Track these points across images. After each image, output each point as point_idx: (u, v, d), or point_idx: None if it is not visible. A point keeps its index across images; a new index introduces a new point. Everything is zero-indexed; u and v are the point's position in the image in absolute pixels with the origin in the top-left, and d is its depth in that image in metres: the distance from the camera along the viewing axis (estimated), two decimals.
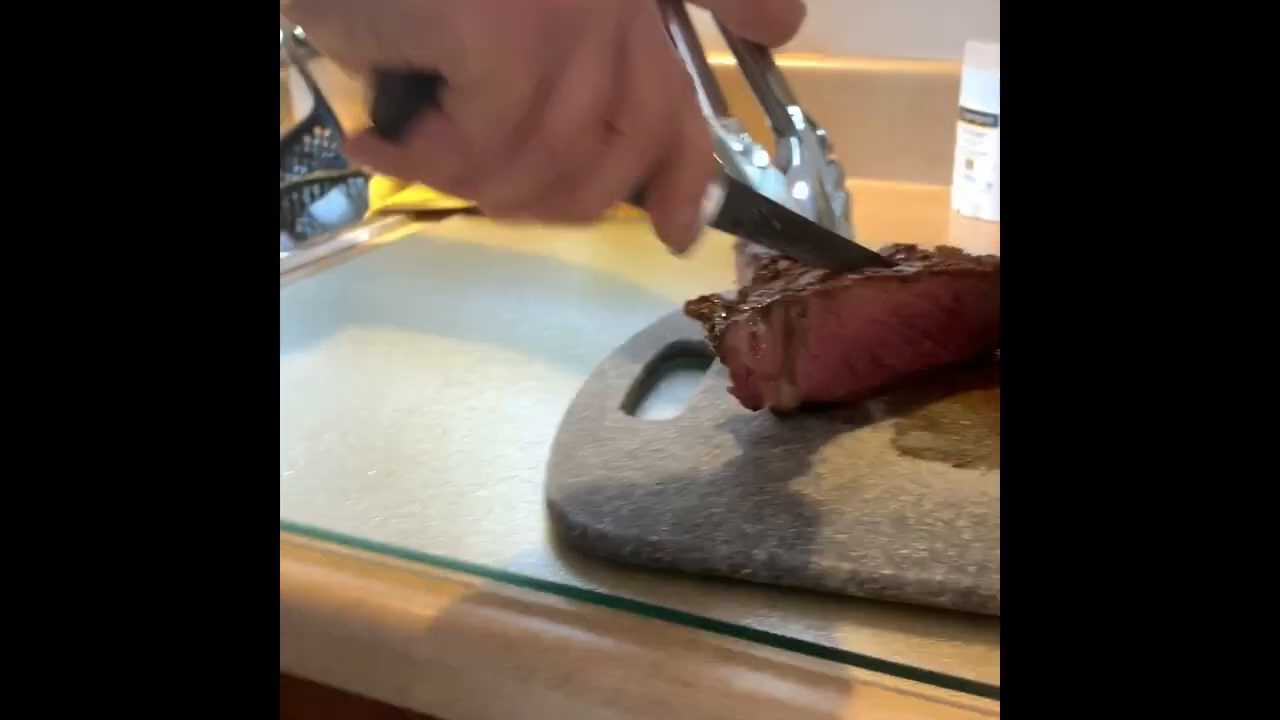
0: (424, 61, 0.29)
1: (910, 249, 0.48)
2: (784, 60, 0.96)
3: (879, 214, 0.83)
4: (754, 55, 0.51)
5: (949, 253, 0.48)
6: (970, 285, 0.47)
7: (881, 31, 0.94)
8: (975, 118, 0.79)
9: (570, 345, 0.54)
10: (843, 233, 0.48)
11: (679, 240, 0.35)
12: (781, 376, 0.43)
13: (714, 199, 0.36)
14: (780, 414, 0.43)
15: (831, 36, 0.96)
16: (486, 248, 0.73)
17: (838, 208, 0.49)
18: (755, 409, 0.43)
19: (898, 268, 0.46)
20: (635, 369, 0.48)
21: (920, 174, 0.91)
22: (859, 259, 0.46)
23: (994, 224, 0.80)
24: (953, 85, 0.82)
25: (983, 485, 0.38)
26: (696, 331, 0.48)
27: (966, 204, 0.81)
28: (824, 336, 0.43)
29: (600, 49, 0.30)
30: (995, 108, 0.77)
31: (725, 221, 0.37)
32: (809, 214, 0.48)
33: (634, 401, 0.46)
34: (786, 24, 0.49)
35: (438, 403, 0.49)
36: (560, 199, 0.32)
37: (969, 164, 0.80)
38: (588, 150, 0.31)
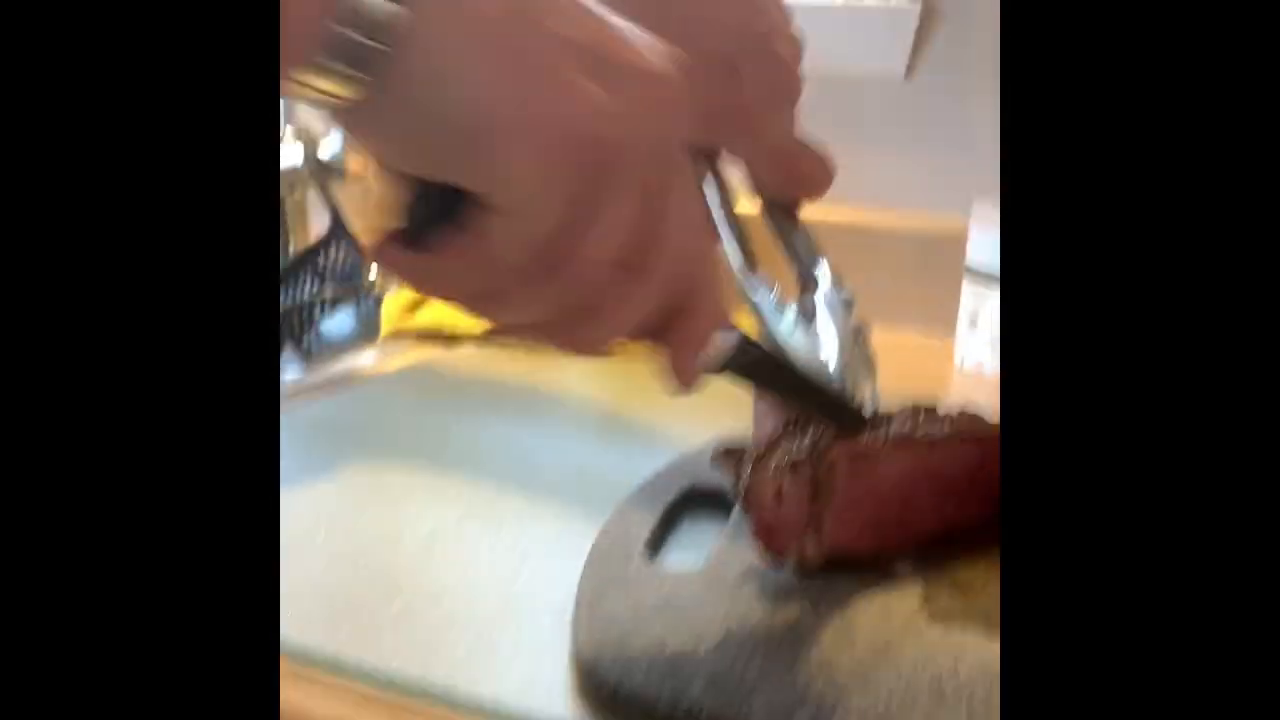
0: (468, 182, 0.30)
1: (931, 411, 0.49)
2: (807, 211, 0.99)
3: (883, 365, 0.85)
4: (781, 210, 0.53)
5: (970, 415, 0.49)
6: (994, 450, 0.48)
7: (891, 185, 0.98)
8: (981, 278, 0.81)
9: (586, 482, 0.54)
10: (867, 393, 0.49)
11: (681, 383, 0.37)
12: (805, 533, 0.43)
13: (723, 348, 0.37)
14: (803, 570, 0.43)
15: (841, 187, 0.99)
16: (499, 376, 0.74)
17: (861, 366, 0.49)
18: (777, 563, 0.42)
19: (926, 432, 0.46)
20: (654, 513, 0.47)
21: (924, 327, 0.93)
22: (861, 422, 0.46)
23: (994, 379, 0.81)
24: (959, 241, 0.85)
25: None
26: (713, 475, 0.49)
27: (969, 359, 0.83)
28: (852, 497, 0.43)
29: (637, 190, 0.31)
30: (997, 268, 0.80)
31: (734, 370, 0.38)
32: (836, 371, 0.49)
33: (655, 547, 0.46)
34: (818, 182, 0.51)
35: (456, 538, 0.48)
36: (574, 327, 0.33)
37: (973, 321, 0.82)
38: (608, 284, 0.32)
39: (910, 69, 0.94)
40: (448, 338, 0.83)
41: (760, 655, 0.37)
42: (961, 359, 0.84)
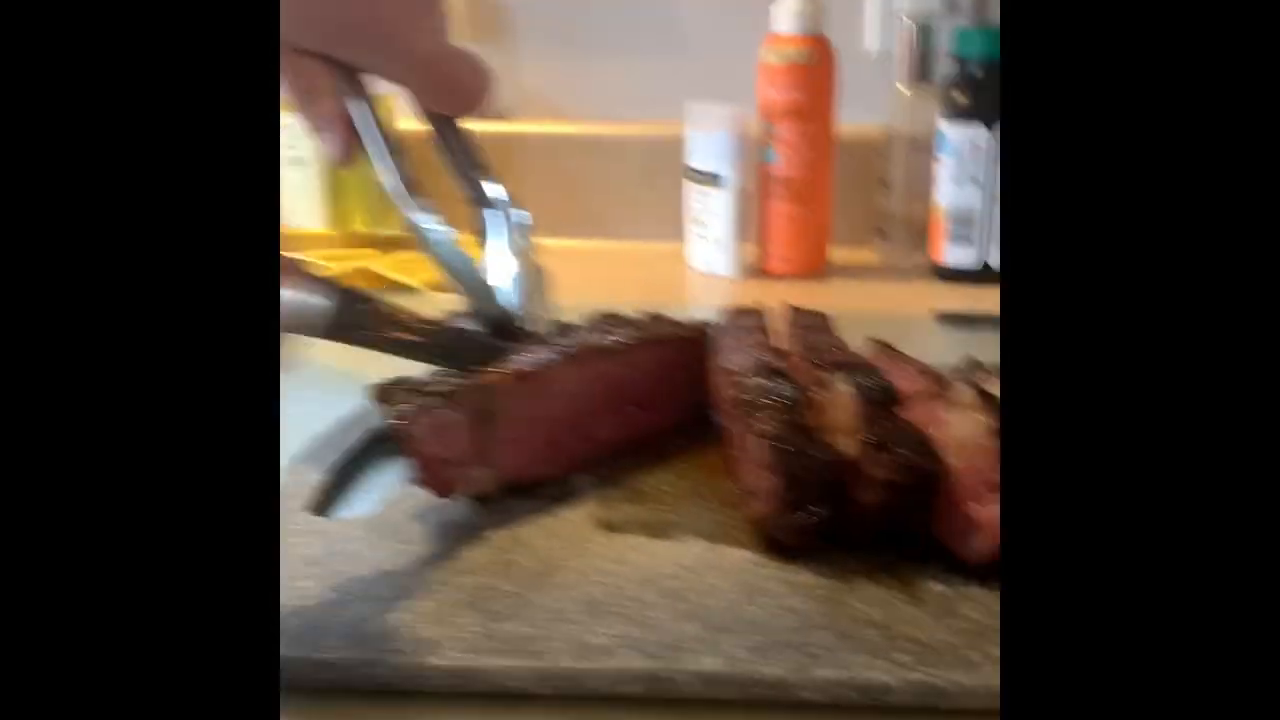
0: None
1: (614, 317, 0.48)
2: (523, 125, 0.96)
3: (620, 274, 0.84)
4: (446, 126, 0.49)
5: (654, 317, 0.48)
6: (676, 351, 0.47)
7: (613, 96, 0.95)
8: (701, 177, 0.81)
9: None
10: (540, 309, 0.47)
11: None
12: (474, 462, 0.40)
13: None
14: (482, 500, 0.41)
15: (566, 102, 0.96)
16: None
17: (533, 284, 0.48)
18: (446, 497, 0.40)
19: (604, 341, 0.45)
20: (329, 462, 0.44)
21: (659, 233, 0.92)
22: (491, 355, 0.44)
23: (726, 278, 0.81)
24: (681, 145, 0.84)
25: (678, 556, 0.37)
26: None
27: (700, 260, 0.83)
28: (523, 419, 0.41)
29: None
30: (717, 167, 0.79)
31: (340, 331, 0.36)
32: (507, 292, 0.46)
33: (326, 500, 0.42)
34: (470, 93, 0.48)
35: None
36: None
37: (699, 222, 0.82)
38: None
39: None
40: None
41: (414, 595, 0.35)
42: (694, 261, 0.84)
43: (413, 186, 0.48)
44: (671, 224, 0.90)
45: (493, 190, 0.49)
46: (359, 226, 0.87)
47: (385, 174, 0.47)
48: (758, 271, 0.82)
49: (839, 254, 0.85)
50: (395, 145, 0.48)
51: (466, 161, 0.49)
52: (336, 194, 0.87)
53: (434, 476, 0.39)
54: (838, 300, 0.75)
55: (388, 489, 0.42)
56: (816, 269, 0.81)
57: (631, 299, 0.75)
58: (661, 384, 0.46)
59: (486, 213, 0.49)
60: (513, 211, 0.49)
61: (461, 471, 0.40)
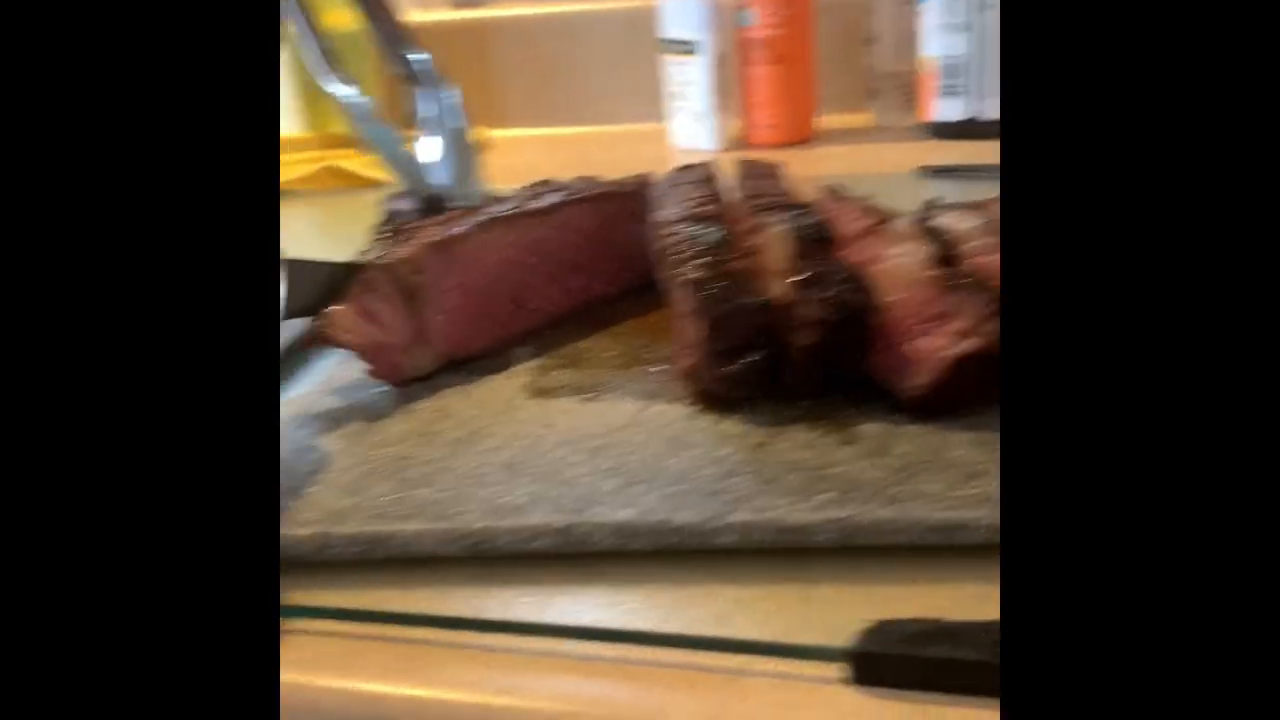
0: None
1: (545, 183, 0.45)
2: (496, 10, 0.92)
3: (601, 157, 0.81)
4: (375, 10, 0.47)
5: (588, 180, 0.46)
6: (614, 208, 0.45)
7: None
8: (677, 47, 0.77)
9: None
10: (473, 184, 0.45)
11: None
12: (414, 342, 0.39)
13: None
14: (422, 379, 0.40)
15: None
16: None
17: (467, 162, 0.46)
18: (399, 383, 0.39)
19: (533, 204, 0.43)
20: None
21: (641, 113, 0.89)
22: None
23: (710, 153, 0.78)
24: (652, 17, 0.80)
25: (608, 416, 0.35)
26: None
27: (682, 136, 0.80)
28: (451, 290, 0.40)
29: None
30: (693, 34, 0.75)
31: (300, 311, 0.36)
32: (443, 170, 0.45)
33: None
34: None
35: None
36: None
37: (679, 95, 0.79)
38: None
39: None
40: None
41: (331, 469, 0.33)
42: (676, 137, 0.80)
43: (333, 61, 0.45)
44: (653, 102, 0.87)
45: (421, 67, 0.47)
46: (337, 127, 0.85)
47: (306, 50, 0.45)
48: (743, 143, 0.79)
49: (830, 120, 0.82)
50: (314, 20, 0.46)
51: (393, 38, 0.47)
52: (312, 95, 0.84)
53: (379, 364, 0.38)
54: (825, 165, 0.72)
55: (321, 375, 0.41)
56: (804, 136, 0.77)
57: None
58: (600, 246, 0.44)
59: (417, 91, 0.47)
60: (443, 89, 0.47)
61: (405, 353, 0.38)
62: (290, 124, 0.85)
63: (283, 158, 0.80)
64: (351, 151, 0.80)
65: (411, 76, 0.47)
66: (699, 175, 0.45)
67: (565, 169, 0.78)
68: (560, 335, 0.42)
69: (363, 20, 0.48)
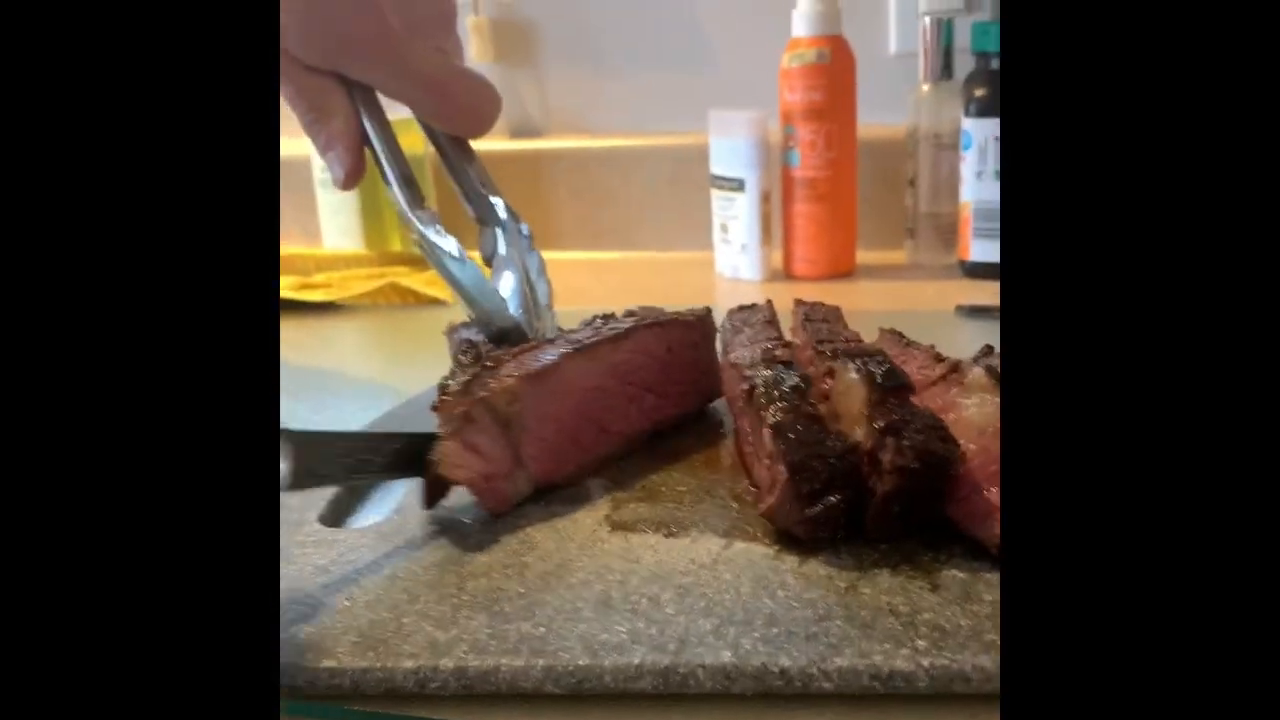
0: None
1: (609, 317, 0.48)
2: (551, 141, 0.97)
3: (649, 283, 0.84)
4: (452, 146, 0.50)
5: (647, 310, 0.48)
6: (680, 334, 0.47)
7: (638, 108, 0.96)
8: (724, 183, 0.80)
9: None
10: (547, 322, 0.47)
11: None
12: (513, 470, 0.40)
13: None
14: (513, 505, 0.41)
15: (592, 117, 0.97)
16: None
17: (542, 297, 0.48)
18: (506, 511, 0.40)
19: (610, 327, 0.45)
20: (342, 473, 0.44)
21: (686, 242, 0.92)
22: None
23: (752, 282, 0.81)
24: (703, 153, 0.84)
25: (691, 553, 0.36)
26: (420, 427, 0.46)
27: (727, 266, 0.83)
28: (544, 418, 0.41)
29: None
30: (740, 172, 0.79)
31: (306, 480, 0.35)
32: (514, 304, 0.47)
33: (340, 512, 0.43)
34: (479, 115, 0.48)
35: None
36: None
37: (724, 228, 0.82)
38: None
39: None
40: None
41: (423, 600, 0.34)
42: (721, 267, 0.83)
43: (419, 202, 0.48)
44: (698, 232, 0.90)
45: (500, 208, 0.50)
46: (396, 245, 0.89)
47: (393, 190, 0.48)
48: (784, 275, 0.81)
49: (869, 255, 0.85)
50: (402, 162, 0.48)
51: (474, 180, 0.50)
52: (372, 214, 0.88)
53: (487, 495, 0.39)
54: (864, 300, 0.75)
55: (399, 498, 0.43)
56: (843, 270, 0.80)
57: (661, 305, 0.75)
58: (668, 369, 0.46)
59: (494, 230, 0.49)
60: (520, 227, 0.50)
61: (508, 481, 0.40)
62: (351, 241, 0.88)
63: (344, 274, 0.83)
64: (409, 269, 0.83)
65: (490, 218, 0.50)
66: (764, 316, 0.47)
67: (614, 292, 0.81)
68: (632, 466, 0.44)
69: (444, 161, 0.51)
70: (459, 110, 0.48)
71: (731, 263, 0.82)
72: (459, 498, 0.40)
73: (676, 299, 0.78)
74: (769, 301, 0.49)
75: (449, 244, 0.46)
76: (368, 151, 0.48)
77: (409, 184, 0.48)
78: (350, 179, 0.48)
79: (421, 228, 0.47)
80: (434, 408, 0.41)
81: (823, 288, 0.79)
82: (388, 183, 0.48)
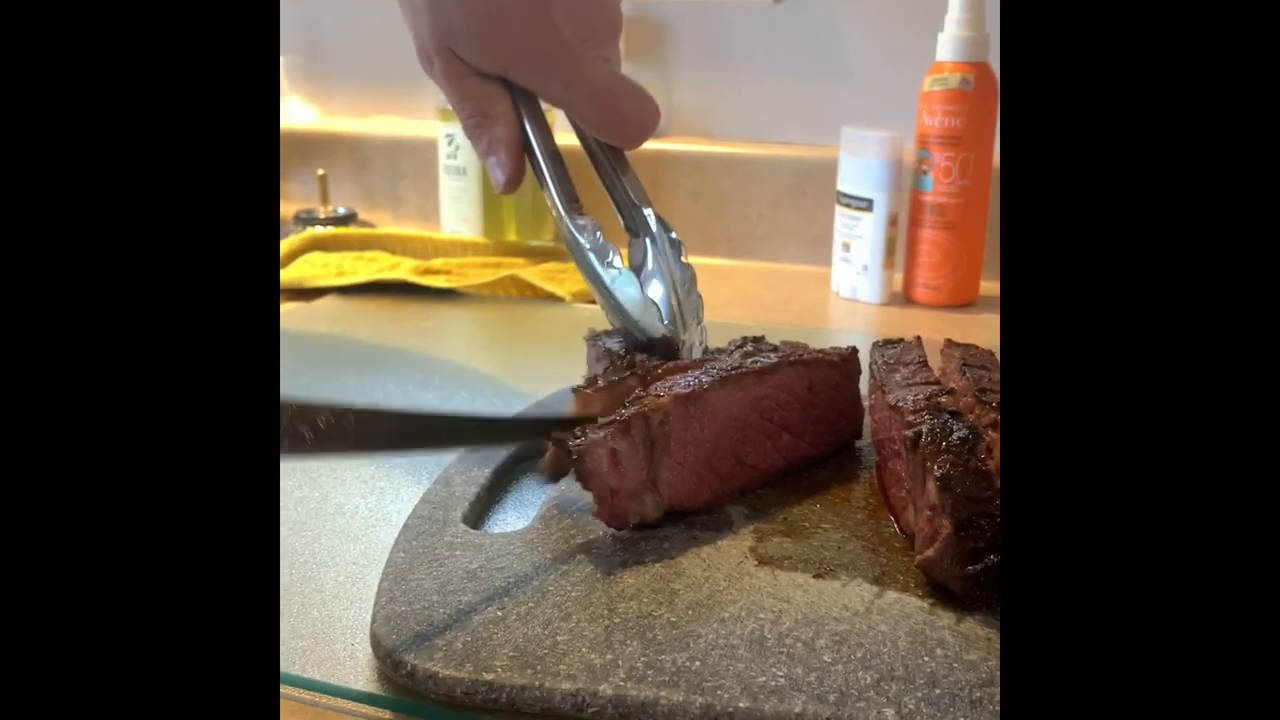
0: None
1: (758, 340, 0.47)
2: (672, 143, 0.96)
3: (761, 294, 0.83)
4: (609, 156, 0.50)
5: (792, 343, 0.47)
6: (822, 374, 0.46)
7: (764, 117, 0.95)
8: (851, 202, 0.79)
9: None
10: (695, 336, 0.47)
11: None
12: (645, 490, 0.40)
13: None
14: (643, 527, 0.41)
15: (716, 121, 0.96)
16: (356, 331, 0.70)
17: (689, 311, 0.48)
18: (622, 528, 0.40)
19: (753, 360, 0.44)
20: (484, 474, 0.44)
21: (802, 256, 0.91)
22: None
23: (870, 305, 0.80)
24: (831, 169, 0.83)
25: (843, 598, 0.36)
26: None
27: (844, 286, 0.81)
28: (686, 442, 0.41)
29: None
30: (869, 192, 0.78)
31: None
32: (664, 313, 0.46)
33: (481, 511, 0.43)
34: (640, 127, 0.48)
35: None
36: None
37: (846, 247, 0.81)
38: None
39: None
40: (309, 291, 0.80)
41: (574, 619, 0.34)
42: (838, 286, 0.82)
43: (577, 209, 0.48)
44: (815, 248, 0.89)
45: (651, 219, 0.49)
46: (512, 236, 0.89)
47: (554, 195, 0.48)
48: (904, 300, 0.80)
49: (993, 286, 0.83)
50: (562, 169, 0.49)
51: (628, 191, 0.50)
52: (492, 204, 0.88)
53: (610, 508, 0.39)
54: (983, 332, 0.73)
55: (541, 504, 0.43)
56: (966, 300, 0.79)
57: (774, 320, 0.75)
58: (811, 409, 0.46)
59: (644, 241, 0.49)
60: (670, 237, 0.49)
61: (634, 501, 0.40)
62: (470, 229, 0.89)
63: (462, 260, 0.83)
64: (526, 261, 0.84)
65: (641, 229, 0.50)
66: (918, 356, 0.46)
67: (726, 300, 0.80)
68: (771, 497, 0.43)
69: (600, 169, 0.51)
70: (619, 120, 0.48)
71: (850, 282, 0.81)
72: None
73: (790, 314, 0.77)
74: (918, 338, 0.48)
75: (608, 254, 0.46)
76: (526, 158, 0.49)
77: (567, 190, 0.48)
78: (510, 184, 0.48)
79: (577, 234, 0.47)
80: (574, 389, 0.41)
81: (944, 316, 0.77)
82: (545, 187, 0.48)
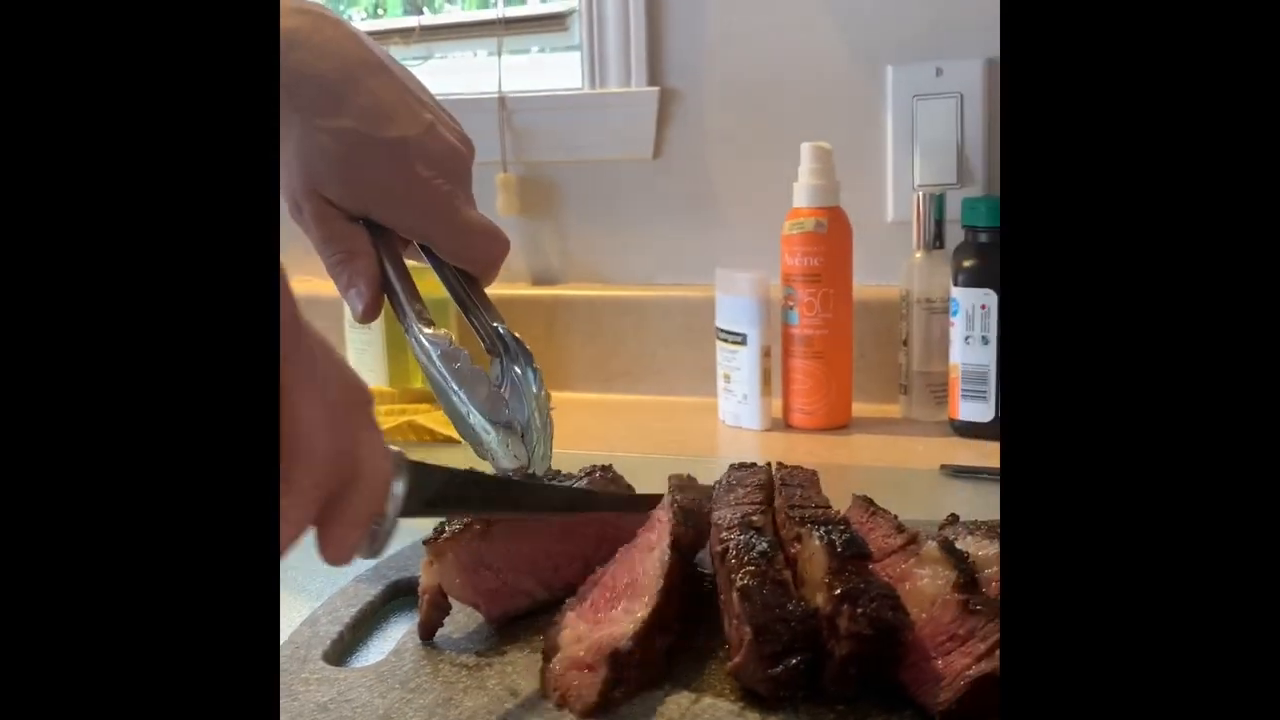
0: None
1: (605, 469, 0.51)
2: (569, 290, 1.02)
3: (654, 425, 0.88)
4: (465, 285, 0.54)
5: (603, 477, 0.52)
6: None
7: (649, 262, 1.02)
8: (728, 336, 0.85)
9: (300, 577, 0.54)
10: (543, 453, 0.50)
11: (342, 560, 0.34)
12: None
13: (394, 497, 0.35)
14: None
15: (607, 268, 1.03)
16: None
17: (541, 420, 0.51)
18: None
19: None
20: (349, 614, 0.48)
21: (693, 388, 0.96)
22: (563, 501, 0.48)
23: (753, 431, 0.85)
24: (712, 307, 0.89)
25: (665, 706, 0.39)
26: (416, 570, 0.50)
27: (729, 414, 0.87)
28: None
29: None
30: (743, 327, 0.84)
31: (415, 507, 0.36)
32: (524, 415, 0.50)
33: (343, 650, 0.46)
34: (490, 255, 0.54)
35: None
36: None
37: (727, 378, 0.86)
38: None
39: (656, 150, 0.99)
40: None
41: None
42: (724, 415, 0.87)
43: (427, 322, 0.52)
44: (704, 380, 0.95)
45: (504, 333, 0.53)
46: (417, 383, 0.94)
47: (406, 315, 0.52)
48: (784, 425, 0.85)
49: (867, 409, 0.88)
50: (414, 293, 0.53)
51: (485, 314, 0.54)
52: (396, 353, 0.93)
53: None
54: (857, 453, 0.78)
55: (397, 639, 0.46)
56: (839, 422, 0.84)
57: (665, 450, 0.79)
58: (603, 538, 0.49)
59: (504, 361, 0.53)
60: (524, 348, 0.53)
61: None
62: (377, 378, 0.93)
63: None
64: (429, 407, 0.88)
65: (500, 348, 0.53)
66: (759, 480, 0.50)
67: (622, 434, 0.85)
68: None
69: (457, 297, 0.55)
70: (478, 252, 0.53)
71: (733, 411, 0.86)
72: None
73: (680, 443, 0.82)
74: (769, 464, 0.53)
75: (455, 355, 0.49)
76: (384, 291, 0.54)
77: (419, 311, 0.52)
78: (368, 312, 0.53)
79: (425, 342, 0.49)
80: (425, 541, 0.45)
81: (818, 439, 0.82)
82: (399, 311, 0.52)
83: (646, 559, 0.44)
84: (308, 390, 0.30)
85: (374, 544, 0.35)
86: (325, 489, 0.31)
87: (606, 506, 0.49)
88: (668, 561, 0.42)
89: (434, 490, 0.38)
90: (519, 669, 0.43)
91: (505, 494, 0.45)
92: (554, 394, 0.53)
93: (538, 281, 1.04)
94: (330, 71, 0.50)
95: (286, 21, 0.51)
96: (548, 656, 0.41)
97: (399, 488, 0.35)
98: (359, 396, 0.34)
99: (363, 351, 0.94)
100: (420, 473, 0.36)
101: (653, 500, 0.49)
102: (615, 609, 0.42)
